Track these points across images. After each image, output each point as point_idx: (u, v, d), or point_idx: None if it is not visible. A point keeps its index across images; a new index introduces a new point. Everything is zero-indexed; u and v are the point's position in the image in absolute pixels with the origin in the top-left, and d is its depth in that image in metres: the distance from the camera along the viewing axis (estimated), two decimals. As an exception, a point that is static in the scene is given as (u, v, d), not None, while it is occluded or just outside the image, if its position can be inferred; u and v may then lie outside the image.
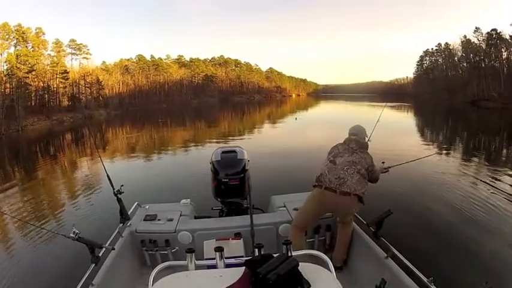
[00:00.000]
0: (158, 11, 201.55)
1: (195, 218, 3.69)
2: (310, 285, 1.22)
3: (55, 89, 50.57)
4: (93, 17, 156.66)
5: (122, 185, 3.35)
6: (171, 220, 3.33)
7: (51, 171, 12.02)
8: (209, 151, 4.12)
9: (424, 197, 6.74)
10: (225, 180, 3.47)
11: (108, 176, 3.38)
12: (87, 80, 57.00)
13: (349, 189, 2.80)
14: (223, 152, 3.72)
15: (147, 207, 3.69)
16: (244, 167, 3.55)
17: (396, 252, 2.51)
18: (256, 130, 23.60)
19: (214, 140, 17.05)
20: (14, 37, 44.57)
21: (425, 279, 2.11)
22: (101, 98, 58.45)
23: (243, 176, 3.51)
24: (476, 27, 56.64)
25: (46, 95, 48.82)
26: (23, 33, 45.62)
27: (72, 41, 57.28)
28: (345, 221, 3.03)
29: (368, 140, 3.28)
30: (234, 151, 3.75)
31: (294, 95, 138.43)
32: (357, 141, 3.13)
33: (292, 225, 3.04)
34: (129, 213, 3.42)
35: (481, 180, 7.99)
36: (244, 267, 1.34)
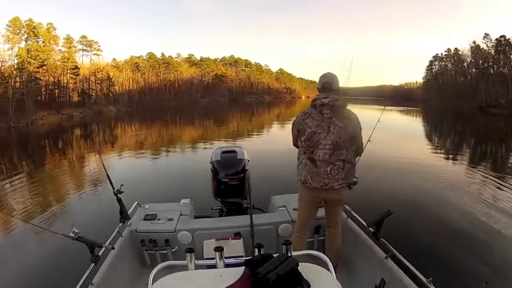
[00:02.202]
0: (166, 11, 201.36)
1: (195, 217, 3.68)
2: (309, 285, 1.21)
3: (65, 84, 51.21)
4: (101, 17, 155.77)
5: (122, 185, 3.35)
6: (171, 220, 3.33)
7: (53, 168, 12.03)
8: (210, 151, 4.13)
9: (424, 197, 6.72)
10: (225, 180, 3.47)
11: (108, 175, 3.38)
12: (98, 76, 57.59)
13: (338, 186, 2.67)
14: (223, 152, 3.72)
15: (147, 206, 3.69)
16: (244, 166, 3.55)
17: (396, 252, 2.50)
18: (263, 130, 23.71)
19: (223, 139, 17.14)
20: (25, 32, 45.16)
21: (424, 280, 2.11)
22: (111, 95, 58.98)
23: (243, 175, 3.50)
24: (485, 33, 56.17)
25: (56, 90, 49.50)
26: (34, 28, 46.22)
27: (84, 37, 58.00)
28: (335, 220, 2.93)
29: (368, 140, 3.19)
30: (234, 151, 3.75)
31: (303, 97, 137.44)
32: (331, 105, 2.55)
33: (294, 228, 3.01)
34: (129, 212, 3.41)
35: (482, 181, 8.01)
36: (244, 267, 1.33)
